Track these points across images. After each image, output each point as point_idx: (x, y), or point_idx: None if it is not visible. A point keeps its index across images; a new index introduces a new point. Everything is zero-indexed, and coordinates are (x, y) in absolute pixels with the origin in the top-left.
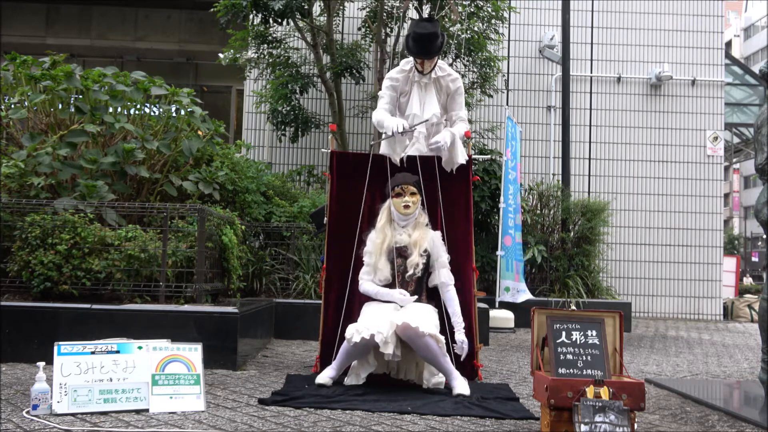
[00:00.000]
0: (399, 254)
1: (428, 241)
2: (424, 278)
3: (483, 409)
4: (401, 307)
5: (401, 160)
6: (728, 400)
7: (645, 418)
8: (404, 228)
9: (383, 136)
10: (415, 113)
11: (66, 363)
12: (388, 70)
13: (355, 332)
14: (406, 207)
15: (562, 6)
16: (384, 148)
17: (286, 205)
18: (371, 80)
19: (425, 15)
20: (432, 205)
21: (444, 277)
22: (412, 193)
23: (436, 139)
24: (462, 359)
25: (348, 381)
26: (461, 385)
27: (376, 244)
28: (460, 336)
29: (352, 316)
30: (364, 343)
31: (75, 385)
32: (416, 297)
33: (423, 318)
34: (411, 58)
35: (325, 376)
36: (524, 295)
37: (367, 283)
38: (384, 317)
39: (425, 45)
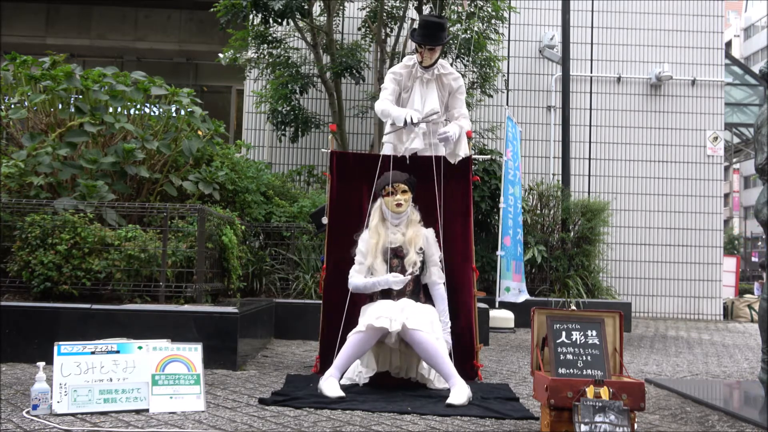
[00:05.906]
0: (395, 254)
1: (422, 239)
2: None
3: (483, 409)
4: (401, 309)
5: (405, 156)
6: (728, 400)
7: (645, 418)
8: (397, 227)
9: (393, 127)
10: (416, 109)
11: (66, 363)
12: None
13: (366, 323)
14: (399, 205)
15: (562, 6)
16: (390, 139)
17: (286, 205)
18: (371, 80)
19: (427, 13)
20: (432, 204)
21: (435, 276)
22: (404, 191)
23: (445, 130)
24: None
25: (344, 382)
26: (457, 394)
27: (370, 244)
28: (447, 338)
29: (353, 316)
30: (373, 331)
31: (75, 385)
32: (409, 278)
33: (424, 320)
34: (414, 55)
35: (335, 388)
36: (524, 295)
37: (356, 277)
38: (390, 308)
39: (431, 32)
